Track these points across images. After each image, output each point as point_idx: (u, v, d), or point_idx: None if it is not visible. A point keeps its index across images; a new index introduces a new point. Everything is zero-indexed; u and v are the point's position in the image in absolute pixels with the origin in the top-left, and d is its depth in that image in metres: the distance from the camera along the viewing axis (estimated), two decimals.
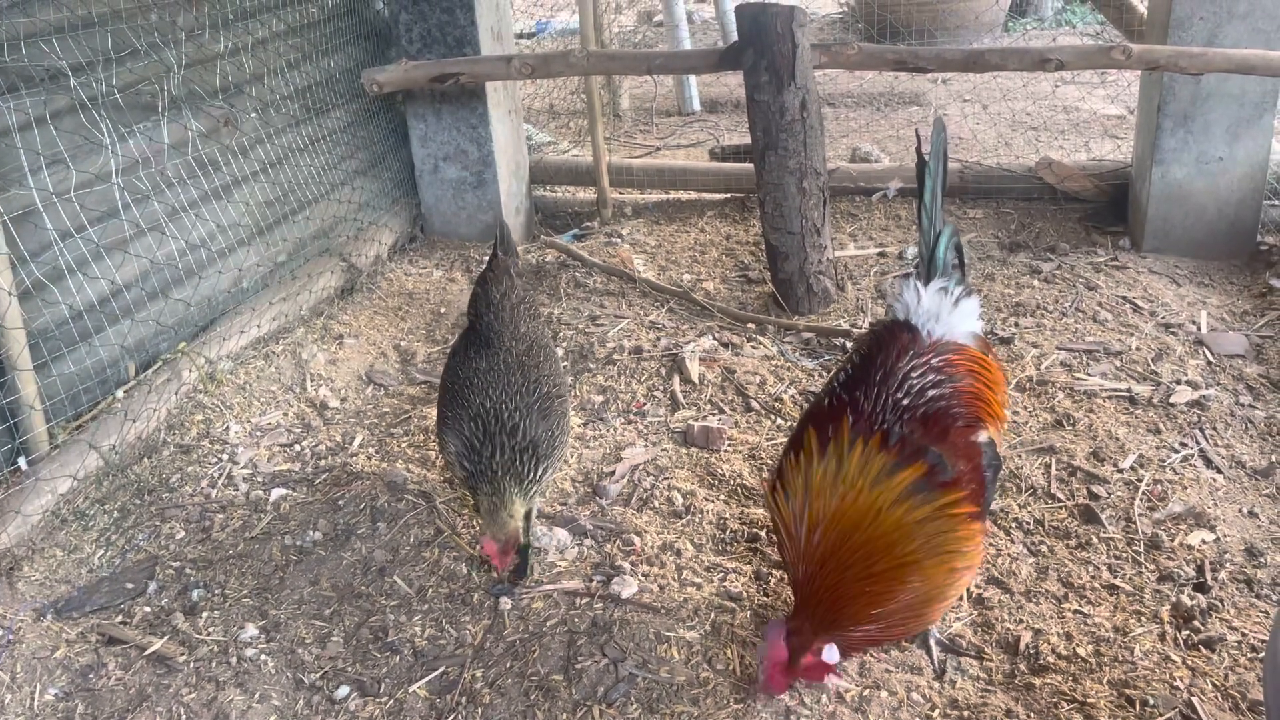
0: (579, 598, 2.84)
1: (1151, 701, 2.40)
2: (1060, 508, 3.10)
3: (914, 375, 2.44)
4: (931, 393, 2.42)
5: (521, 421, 2.87)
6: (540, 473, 2.88)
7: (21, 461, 3.34)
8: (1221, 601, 2.69)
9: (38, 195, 3.35)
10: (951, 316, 2.59)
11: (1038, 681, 2.49)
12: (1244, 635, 2.58)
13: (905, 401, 2.39)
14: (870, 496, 2.24)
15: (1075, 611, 2.70)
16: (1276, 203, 4.70)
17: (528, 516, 2.94)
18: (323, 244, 4.88)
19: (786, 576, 2.39)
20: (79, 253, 3.57)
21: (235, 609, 2.90)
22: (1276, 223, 4.71)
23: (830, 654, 2.26)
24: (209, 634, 2.81)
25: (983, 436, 2.41)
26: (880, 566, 2.23)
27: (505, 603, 2.83)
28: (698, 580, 2.87)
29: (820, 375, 3.86)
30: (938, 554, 2.24)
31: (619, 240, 5.21)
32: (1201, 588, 2.75)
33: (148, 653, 2.75)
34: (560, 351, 4.13)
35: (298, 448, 3.66)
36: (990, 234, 4.97)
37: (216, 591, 2.98)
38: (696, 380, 3.85)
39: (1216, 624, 2.62)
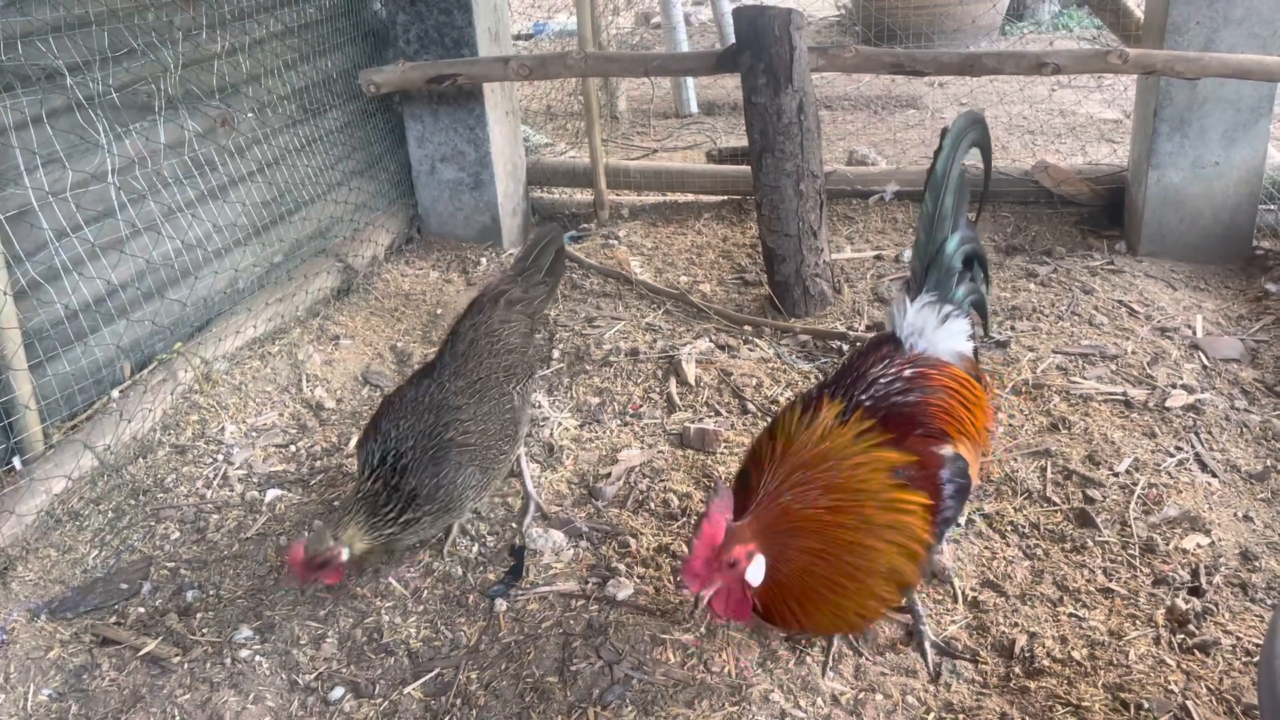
0: (574, 599, 2.83)
1: (1146, 705, 2.41)
2: (1055, 511, 3.10)
3: (881, 381, 2.47)
4: (896, 399, 2.44)
5: (411, 465, 2.74)
6: (403, 522, 2.72)
7: (16, 461, 3.34)
8: (1216, 605, 2.70)
9: (33, 194, 3.34)
10: (936, 333, 2.61)
11: (1033, 685, 2.49)
12: (1239, 639, 2.58)
13: (868, 403, 2.41)
14: (853, 448, 2.29)
15: (1070, 615, 2.71)
16: (1272, 207, 4.71)
17: (364, 557, 2.76)
18: (319, 244, 4.88)
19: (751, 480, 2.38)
20: (75, 252, 3.57)
21: (230, 610, 2.89)
22: (1272, 227, 4.72)
23: (756, 569, 2.14)
24: (203, 635, 2.81)
25: (947, 450, 2.40)
26: (834, 500, 2.23)
27: (500, 604, 2.83)
28: None
29: (816, 377, 3.86)
30: (889, 537, 2.23)
31: (616, 242, 5.21)
32: (1196, 592, 2.76)
33: (142, 653, 2.74)
34: (556, 353, 4.13)
35: (293, 448, 3.66)
36: (987, 237, 4.97)
37: (211, 592, 2.98)
38: (693, 382, 3.85)
39: (1211, 628, 2.63)
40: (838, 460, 2.28)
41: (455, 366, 3.02)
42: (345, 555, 2.67)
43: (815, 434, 2.33)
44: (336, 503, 3.31)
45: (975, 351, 2.73)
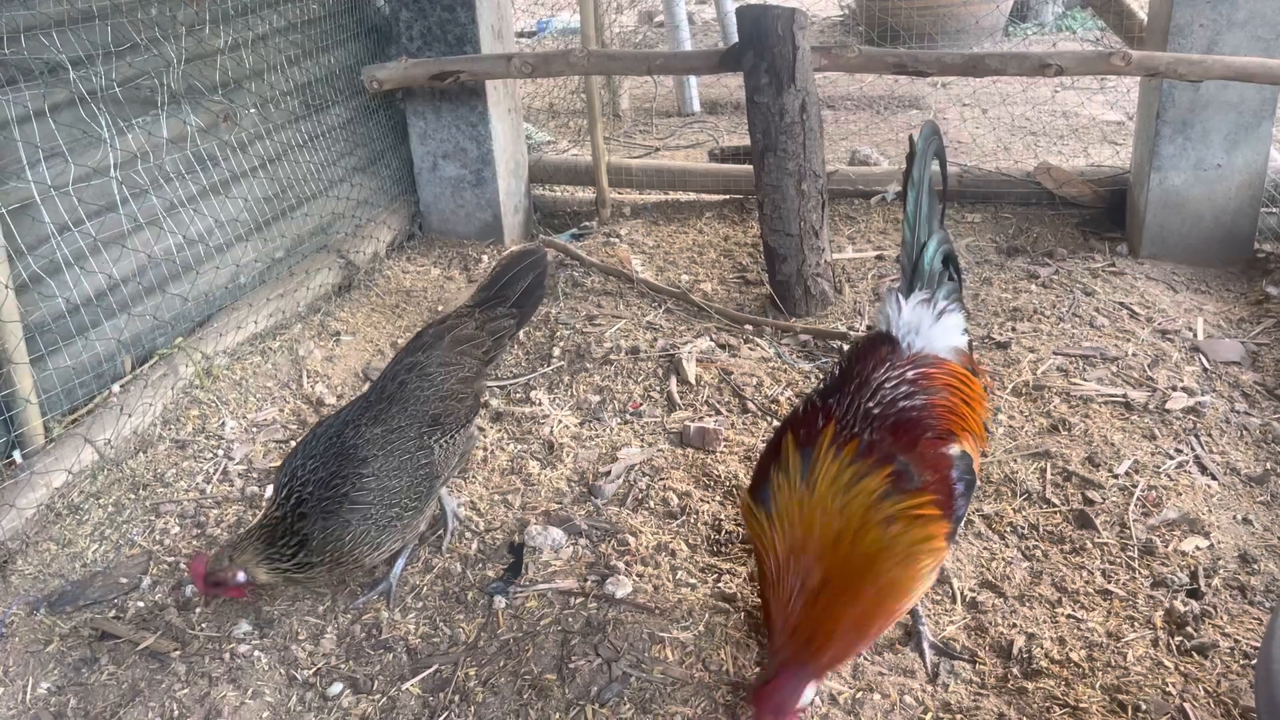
0: (573, 597, 2.84)
1: (1144, 707, 2.41)
2: (1055, 513, 3.10)
3: (887, 385, 2.44)
4: (903, 403, 2.41)
5: (309, 511, 2.63)
6: (296, 564, 2.63)
7: (16, 455, 3.34)
8: (1215, 608, 2.70)
9: (36, 189, 3.34)
10: (933, 330, 2.59)
11: (1030, 686, 2.49)
12: (1236, 642, 2.58)
13: (876, 410, 2.38)
14: (844, 514, 2.21)
15: (1069, 616, 2.71)
16: (1274, 210, 4.71)
17: (266, 588, 2.73)
18: (320, 241, 4.88)
19: (762, 605, 2.34)
20: (76, 247, 3.57)
21: (228, 605, 2.89)
22: (1274, 230, 4.72)
23: (809, 694, 2.17)
24: (202, 630, 2.81)
25: (954, 449, 2.39)
26: (859, 587, 2.19)
27: (499, 602, 2.83)
28: (692, 581, 2.87)
29: (817, 377, 3.86)
30: (905, 561, 2.21)
31: (617, 240, 5.21)
32: (1195, 594, 2.76)
33: (141, 648, 2.75)
34: (557, 351, 4.13)
35: (293, 444, 3.66)
36: (988, 239, 4.98)
37: None
38: (693, 381, 3.85)
39: (1209, 630, 2.63)
40: (846, 530, 2.22)
41: (376, 411, 2.81)
42: (243, 578, 2.62)
43: (820, 502, 2.25)
44: None
45: (970, 344, 2.72)
